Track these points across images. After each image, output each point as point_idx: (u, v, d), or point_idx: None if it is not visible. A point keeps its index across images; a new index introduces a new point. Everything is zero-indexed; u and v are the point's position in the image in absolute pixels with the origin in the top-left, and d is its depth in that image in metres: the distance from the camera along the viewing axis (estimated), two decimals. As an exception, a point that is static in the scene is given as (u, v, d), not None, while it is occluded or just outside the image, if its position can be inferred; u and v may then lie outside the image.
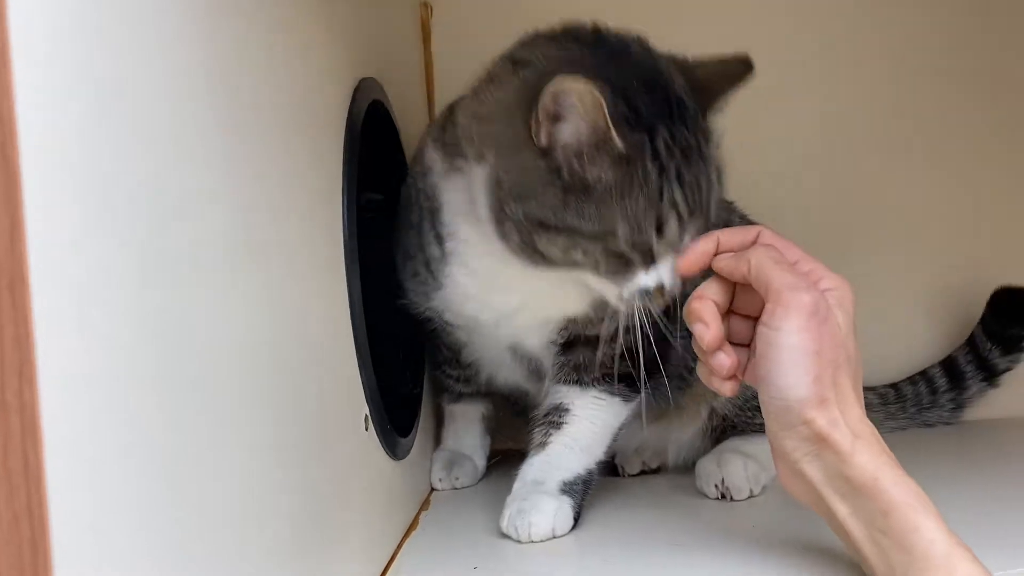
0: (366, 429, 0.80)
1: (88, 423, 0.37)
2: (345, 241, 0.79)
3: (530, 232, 0.76)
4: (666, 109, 0.75)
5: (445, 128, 0.88)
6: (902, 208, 1.27)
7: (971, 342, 1.22)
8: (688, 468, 1.03)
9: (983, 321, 1.21)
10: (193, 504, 0.46)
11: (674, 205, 0.74)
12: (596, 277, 0.79)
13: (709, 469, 0.96)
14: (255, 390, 0.56)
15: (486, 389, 1.06)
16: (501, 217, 0.78)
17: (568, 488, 0.88)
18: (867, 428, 0.69)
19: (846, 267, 0.75)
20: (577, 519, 0.88)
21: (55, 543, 0.34)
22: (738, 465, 0.95)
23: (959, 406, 1.23)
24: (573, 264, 0.78)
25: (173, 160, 0.46)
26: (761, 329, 0.69)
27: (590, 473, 0.91)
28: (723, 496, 0.94)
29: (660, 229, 0.75)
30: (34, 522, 0.34)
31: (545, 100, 0.72)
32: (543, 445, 0.91)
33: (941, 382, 1.23)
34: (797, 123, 1.25)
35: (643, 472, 1.08)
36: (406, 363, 1.02)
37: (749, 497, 0.94)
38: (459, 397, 1.08)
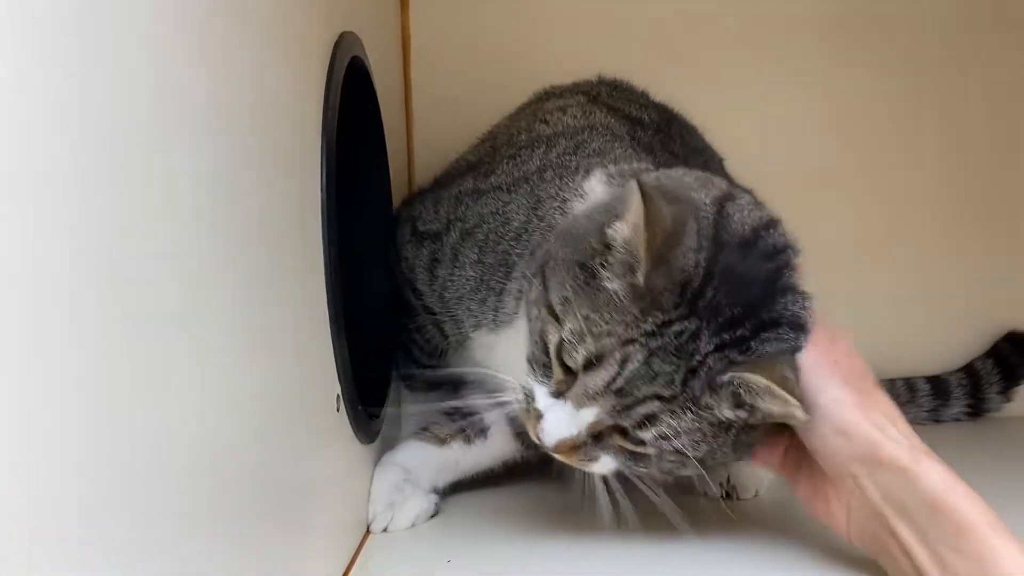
0: (337, 410, 0.74)
1: (49, 410, 0.34)
2: (323, 205, 0.73)
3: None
4: (716, 319, 0.64)
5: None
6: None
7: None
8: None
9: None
10: (147, 484, 0.41)
11: (621, 364, 0.65)
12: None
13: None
14: (222, 359, 0.51)
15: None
16: None
17: None
18: (919, 440, 0.66)
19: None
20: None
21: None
22: (743, 464, 0.91)
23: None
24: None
25: (144, 116, 0.42)
26: None
27: None
28: (728, 495, 0.92)
29: (589, 366, 0.66)
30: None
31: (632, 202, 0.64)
32: None
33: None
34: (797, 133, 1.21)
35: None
36: (377, 340, 0.96)
37: (755, 496, 0.92)
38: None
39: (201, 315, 0.48)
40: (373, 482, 0.84)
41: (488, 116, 1.14)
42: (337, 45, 0.80)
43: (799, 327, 0.67)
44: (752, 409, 0.66)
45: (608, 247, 0.66)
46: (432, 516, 0.86)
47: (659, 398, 0.65)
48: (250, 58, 0.58)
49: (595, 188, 0.78)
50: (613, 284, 0.65)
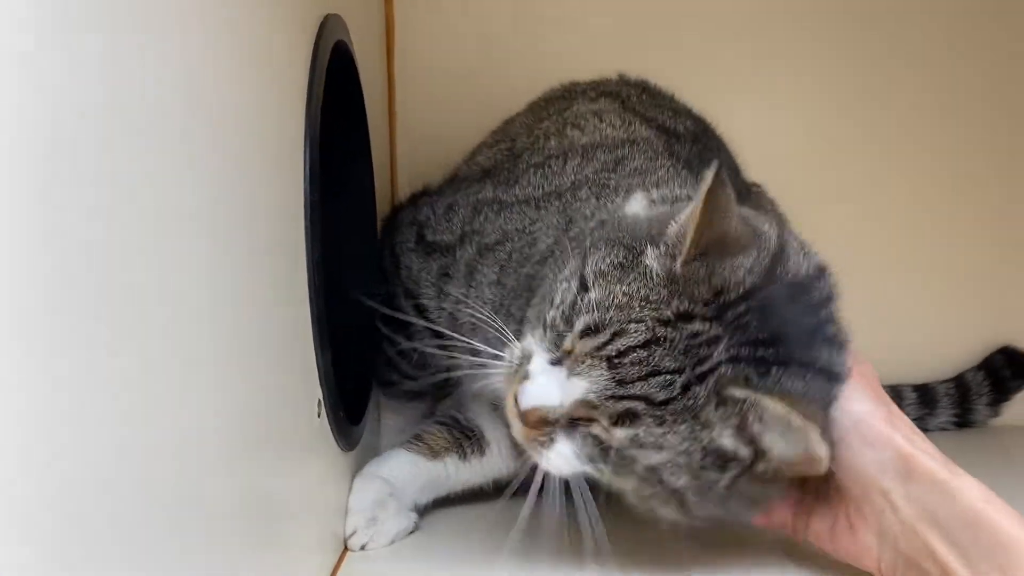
0: (319, 416, 0.70)
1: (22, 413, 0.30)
2: (306, 200, 0.68)
3: None
4: (741, 334, 0.60)
5: None
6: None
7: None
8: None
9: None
10: (122, 495, 0.37)
11: (614, 335, 0.60)
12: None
13: None
14: (202, 364, 0.47)
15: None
16: None
17: None
18: (946, 456, 0.62)
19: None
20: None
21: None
22: None
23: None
24: None
25: (124, 100, 0.38)
26: None
27: None
28: None
29: (587, 332, 0.61)
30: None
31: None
32: None
33: None
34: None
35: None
36: (358, 343, 0.90)
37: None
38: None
39: (180, 315, 0.43)
40: (353, 493, 0.79)
41: (475, 106, 1.10)
42: (322, 27, 0.75)
43: (834, 377, 0.62)
44: (755, 446, 0.59)
45: (663, 232, 0.62)
46: (410, 533, 0.80)
47: (648, 401, 0.59)
48: (230, 39, 0.53)
49: (637, 213, 0.70)
50: (652, 262, 0.61)
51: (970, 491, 0.59)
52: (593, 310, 0.61)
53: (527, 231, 0.77)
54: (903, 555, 0.62)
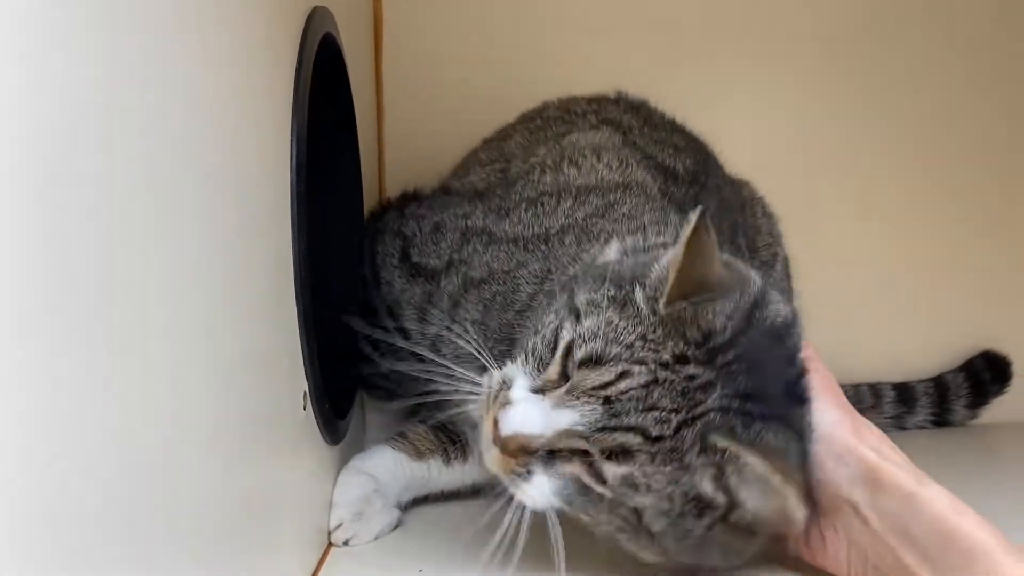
0: (304, 408, 0.69)
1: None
2: (293, 188, 0.67)
3: None
4: (731, 383, 0.59)
5: None
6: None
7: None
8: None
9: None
10: (114, 489, 0.37)
11: (620, 375, 0.59)
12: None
13: None
14: (192, 356, 0.46)
15: None
16: None
17: None
18: (918, 469, 0.62)
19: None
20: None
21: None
22: None
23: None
24: None
25: (113, 91, 0.38)
26: None
27: None
28: None
29: (586, 363, 0.60)
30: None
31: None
32: None
33: None
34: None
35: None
36: (343, 338, 0.89)
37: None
38: None
39: (172, 306, 0.43)
40: (338, 487, 0.78)
41: (463, 100, 1.10)
42: (310, 19, 0.74)
43: (804, 437, 0.62)
44: (730, 497, 0.59)
45: (647, 275, 0.62)
46: (394, 529, 0.79)
47: (644, 435, 0.58)
48: (218, 30, 0.53)
49: (609, 260, 0.68)
50: (642, 304, 0.61)
51: (938, 501, 0.58)
52: (593, 339, 0.61)
53: (512, 274, 0.77)
54: (872, 565, 0.61)
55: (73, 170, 0.34)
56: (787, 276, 1.01)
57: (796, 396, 0.63)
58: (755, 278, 0.65)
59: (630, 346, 0.60)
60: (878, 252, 1.18)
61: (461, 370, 0.69)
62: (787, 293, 0.96)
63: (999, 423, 1.17)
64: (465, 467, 0.84)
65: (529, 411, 0.62)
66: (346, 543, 0.76)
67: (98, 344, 0.36)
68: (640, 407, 0.59)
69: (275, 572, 0.62)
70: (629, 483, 0.59)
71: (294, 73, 0.70)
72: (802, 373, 0.64)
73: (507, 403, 0.62)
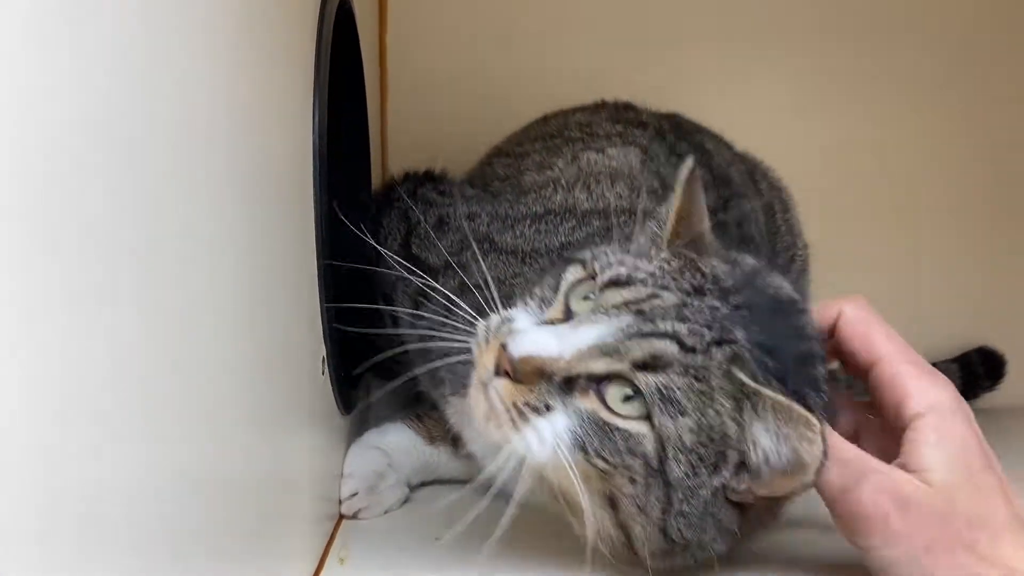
0: (323, 373, 0.68)
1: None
2: (315, 148, 0.66)
3: None
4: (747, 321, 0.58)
5: None
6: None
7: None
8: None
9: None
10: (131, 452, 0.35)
11: (650, 296, 0.58)
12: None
13: None
14: (215, 315, 0.45)
15: None
16: None
17: None
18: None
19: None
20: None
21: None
22: None
23: None
24: None
25: (136, 68, 0.36)
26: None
27: None
28: None
29: (613, 283, 0.60)
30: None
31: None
32: None
33: None
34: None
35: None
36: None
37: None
38: None
39: (190, 266, 0.41)
40: (351, 459, 0.77)
41: (467, 80, 1.09)
42: (330, -19, 0.73)
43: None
44: (743, 434, 0.56)
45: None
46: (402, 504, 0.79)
47: (680, 343, 0.55)
48: None
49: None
50: (653, 243, 0.62)
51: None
52: (619, 264, 0.61)
53: (507, 283, 0.75)
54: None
55: (110, 135, 0.33)
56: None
57: (811, 379, 0.59)
58: (749, 259, 0.64)
59: (652, 274, 0.60)
60: (873, 248, 1.19)
61: (461, 311, 0.65)
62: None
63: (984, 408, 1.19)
64: (472, 461, 0.82)
65: (543, 333, 0.58)
66: (355, 515, 0.75)
67: (125, 302, 0.34)
68: (675, 316, 0.57)
69: (292, 541, 0.61)
70: (664, 395, 0.55)
71: (314, 43, 0.69)
72: (818, 354, 0.61)
73: (514, 332, 0.59)
